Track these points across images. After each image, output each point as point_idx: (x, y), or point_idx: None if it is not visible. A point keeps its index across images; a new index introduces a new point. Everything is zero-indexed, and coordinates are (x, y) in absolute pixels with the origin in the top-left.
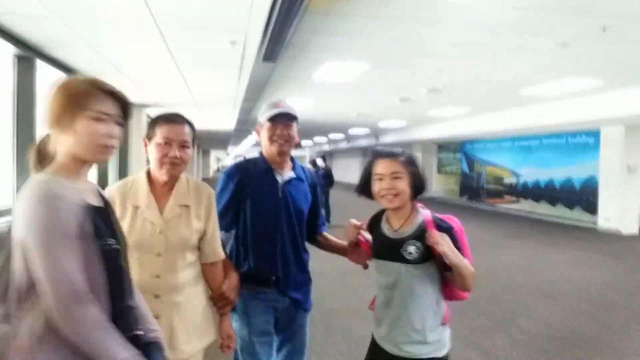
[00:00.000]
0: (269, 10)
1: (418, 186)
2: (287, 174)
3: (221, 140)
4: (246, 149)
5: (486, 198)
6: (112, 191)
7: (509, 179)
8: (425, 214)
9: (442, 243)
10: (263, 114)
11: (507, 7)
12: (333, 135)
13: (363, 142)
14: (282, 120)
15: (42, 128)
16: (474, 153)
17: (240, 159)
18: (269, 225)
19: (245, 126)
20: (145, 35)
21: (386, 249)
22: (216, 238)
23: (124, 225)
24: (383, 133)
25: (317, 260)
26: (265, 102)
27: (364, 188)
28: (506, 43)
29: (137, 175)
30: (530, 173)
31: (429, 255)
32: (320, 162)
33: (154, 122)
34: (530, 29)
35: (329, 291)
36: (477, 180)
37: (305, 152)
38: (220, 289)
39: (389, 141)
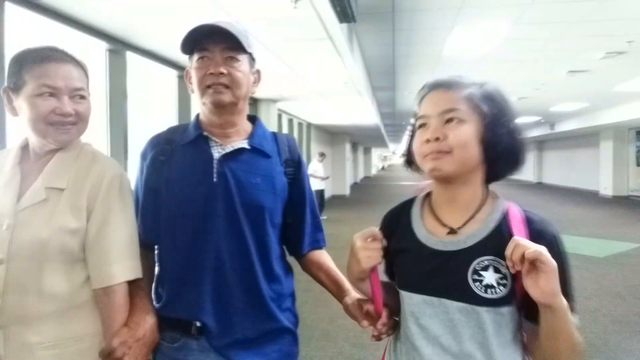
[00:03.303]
0: None
1: (499, 146)
2: (235, 143)
3: (376, 137)
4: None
5: None
6: None
7: None
8: (508, 205)
9: (550, 266)
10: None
11: None
12: None
13: (535, 133)
14: (217, 44)
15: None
16: None
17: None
18: (192, 231)
19: (397, 121)
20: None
21: (429, 271)
22: (107, 246)
23: None
24: (559, 119)
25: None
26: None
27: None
28: None
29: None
30: None
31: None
32: None
33: (19, 64)
34: None
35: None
36: None
37: None
38: (109, 344)
39: (569, 129)
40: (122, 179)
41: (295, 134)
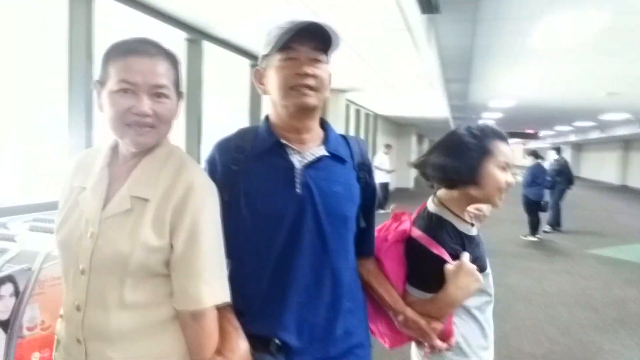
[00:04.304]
0: None
1: None
2: (313, 149)
3: (442, 129)
4: None
5: None
6: (70, 162)
7: None
8: None
9: None
10: (268, 42)
11: None
12: (580, 123)
13: (622, 131)
14: (303, 43)
15: None
16: None
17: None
18: (280, 247)
19: (467, 114)
20: None
21: (483, 253)
22: (195, 266)
23: (61, 215)
24: None
25: (509, 271)
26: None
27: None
28: None
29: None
30: None
31: None
32: (553, 154)
33: (107, 56)
34: None
35: (521, 325)
36: None
37: (545, 145)
38: None
39: None
40: (212, 192)
41: (362, 125)
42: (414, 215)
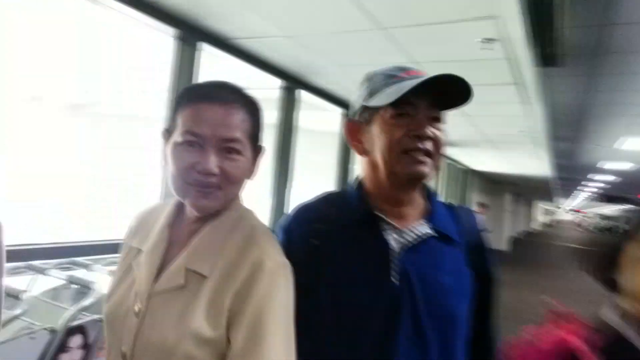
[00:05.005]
0: None
1: None
2: (414, 225)
3: (541, 189)
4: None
5: None
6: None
7: None
8: None
9: None
10: (372, 90)
11: None
12: None
13: None
14: (428, 99)
15: None
16: None
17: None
18: (364, 352)
19: (571, 174)
20: (373, 40)
21: None
22: None
23: (113, 280)
24: None
25: None
26: (373, 74)
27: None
28: None
29: None
30: None
31: None
32: None
33: (177, 102)
34: None
35: None
36: None
37: None
38: None
39: None
40: (285, 274)
41: (453, 180)
42: (576, 316)
